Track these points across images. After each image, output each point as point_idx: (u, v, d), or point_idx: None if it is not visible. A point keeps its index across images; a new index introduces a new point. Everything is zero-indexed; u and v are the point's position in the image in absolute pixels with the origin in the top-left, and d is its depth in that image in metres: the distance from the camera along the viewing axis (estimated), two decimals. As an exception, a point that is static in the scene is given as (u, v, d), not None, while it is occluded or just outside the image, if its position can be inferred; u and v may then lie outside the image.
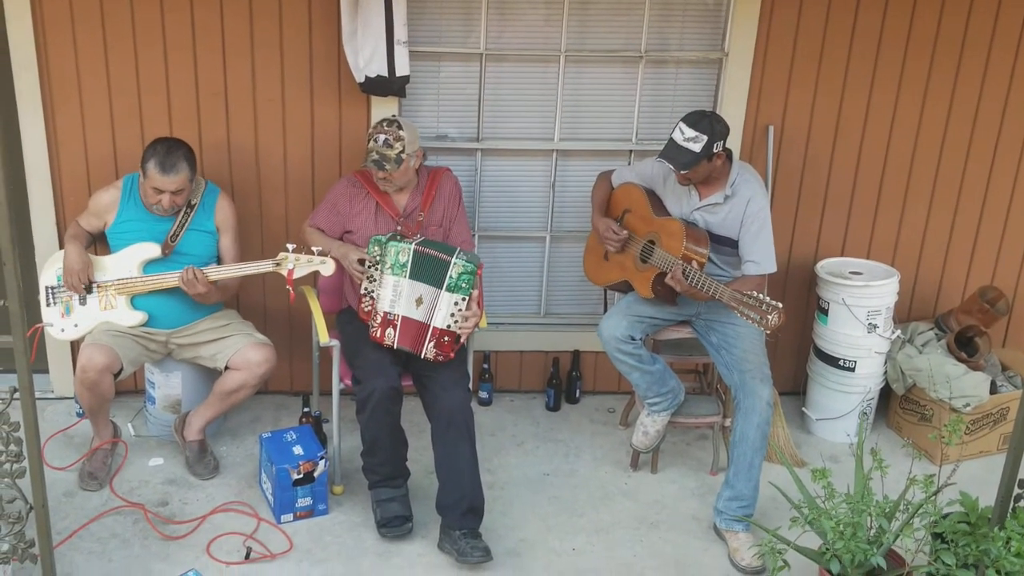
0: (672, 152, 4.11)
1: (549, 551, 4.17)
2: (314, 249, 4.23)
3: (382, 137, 4.18)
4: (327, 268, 4.21)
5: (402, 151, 4.18)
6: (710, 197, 4.27)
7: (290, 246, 4.22)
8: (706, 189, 4.28)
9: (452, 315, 4.08)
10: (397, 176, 4.25)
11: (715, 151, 4.09)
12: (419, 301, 4.09)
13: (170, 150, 4.24)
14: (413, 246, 4.09)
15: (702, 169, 4.15)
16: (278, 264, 4.22)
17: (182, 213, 4.39)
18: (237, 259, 4.50)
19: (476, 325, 4.19)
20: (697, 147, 4.06)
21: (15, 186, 4.60)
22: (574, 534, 4.28)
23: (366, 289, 4.19)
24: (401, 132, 4.18)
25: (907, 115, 4.94)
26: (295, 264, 4.20)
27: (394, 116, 4.30)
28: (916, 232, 5.17)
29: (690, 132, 4.08)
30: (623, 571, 4.07)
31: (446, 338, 4.10)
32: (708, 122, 4.09)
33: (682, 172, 4.13)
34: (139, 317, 4.38)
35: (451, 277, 4.06)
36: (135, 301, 4.39)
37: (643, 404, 4.59)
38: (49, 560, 3.38)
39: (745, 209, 4.21)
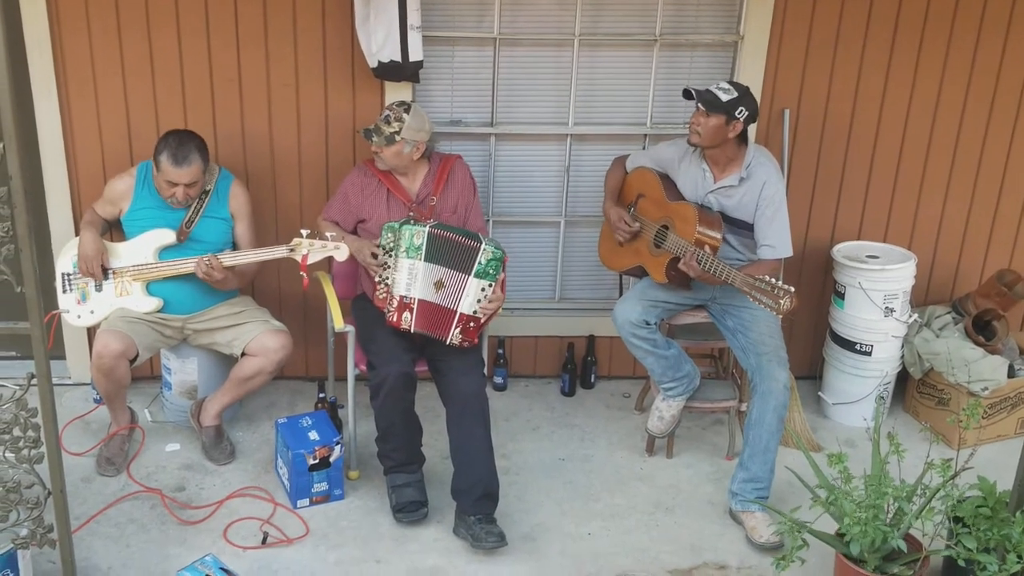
0: (702, 90, 4.14)
1: (564, 536, 4.17)
2: (328, 234, 4.23)
3: (385, 112, 4.22)
4: (341, 253, 4.21)
5: (397, 132, 4.17)
6: (725, 179, 4.25)
7: (304, 232, 4.22)
8: (721, 171, 4.27)
9: (479, 301, 4.09)
10: (387, 155, 4.25)
11: (737, 115, 4.08)
12: (439, 284, 4.10)
13: (182, 142, 4.24)
14: (427, 228, 4.10)
15: (714, 126, 4.12)
16: (292, 250, 4.22)
17: (196, 200, 4.39)
18: (253, 245, 4.50)
19: (499, 308, 4.20)
20: (724, 96, 4.08)
21: (31, 173, 4.61)
22: (589, 519, 4.28)
23: (380, 277, 4.19)
24: (405, 115, 4.18)
25: (924, 98, 4.90)
26: (309, 249, 4.20)
27: (411, 101, 4.29)
28: (933, 215, 5.14)
29: (725, 85, 4.15)
30: (638, 555, 4.07)
31: (472, 324, 4.11)
32: (745, 89, 4.15)
33: (699, 108, 4.12)
34: (154, 303, 4.39)
35: (480, 263, 4.07)
36: (151, 287, 4.40)
37: (658, 389, 4.59)
38: (67, 545, 3.40)
39: (760, 192, 4.19)
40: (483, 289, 4.09)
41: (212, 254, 4.28)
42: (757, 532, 4.11)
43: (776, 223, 4.20)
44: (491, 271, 4.08)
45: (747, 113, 4.11)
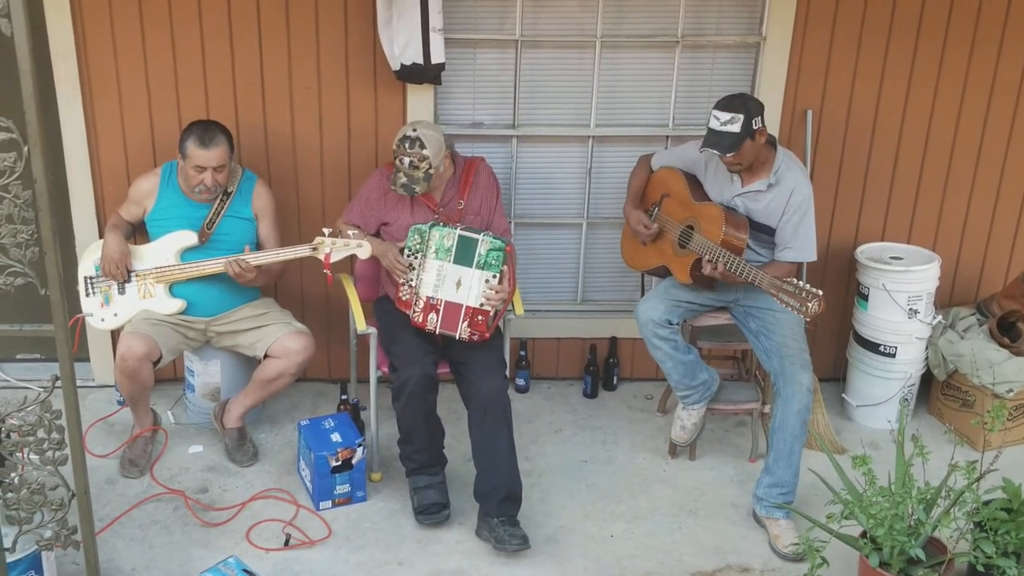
0: (714, 139, 4.06)
1: (587, 538, 4.16)
2: (350, 233, 4.24)
3: (407, 160, 4.13)
4: (363, 251, 4.22)
5: (429, 168, 4.15)
6: (753, 184, 4.22)
7: (326, 231, 4.23)
8: (749, 176, 4.23)
9: (484, 292, 4.10)
10: (432, 187, 4.26)
11: (755, 127, 4.04)
12: (459, 284, 4.11)
13: (207, 127, 4.29)
14: (458, 231, 4.11)
15: (748, 149, 4.08)
16: (315, 249, 4.24)
17: (218, 200, 4.41)
18: (278, 244, 4.51)
19: (507, 301, 4.19)
20: (736, 127, 4.01)
21: (55, 176, 4.63)
22: (612, 521, 4.27)
23: (405, 279, 4.19)
24: (424, 152, 4.11)
25: (947, 98, 4.87)
26: (332, 248, 4.21)
27: (415, 130, 4.15)
28: (957, 216, 5.11)
29: (725, 116, 4.04)
30: (661, 558, 4.06)
31: (479, 317, 4.11)
32: (741, 101, 4.06)
33: (729, 156, 4.07)
34: (177, 305, 4.40)
35: (480, 255, 4.08)
36: (173, 289, 4.42)
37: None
38: (91, 546, 3.41)
39: (788, 199, 4.15)
40: (487, 280, 4.10)
41: (240, 256, 4.29)
42: (781, 541, 4.09)
43: (802, 229, 4.17)
44: (493, 262, 4.09)
45: (760, 119, 4.07)
